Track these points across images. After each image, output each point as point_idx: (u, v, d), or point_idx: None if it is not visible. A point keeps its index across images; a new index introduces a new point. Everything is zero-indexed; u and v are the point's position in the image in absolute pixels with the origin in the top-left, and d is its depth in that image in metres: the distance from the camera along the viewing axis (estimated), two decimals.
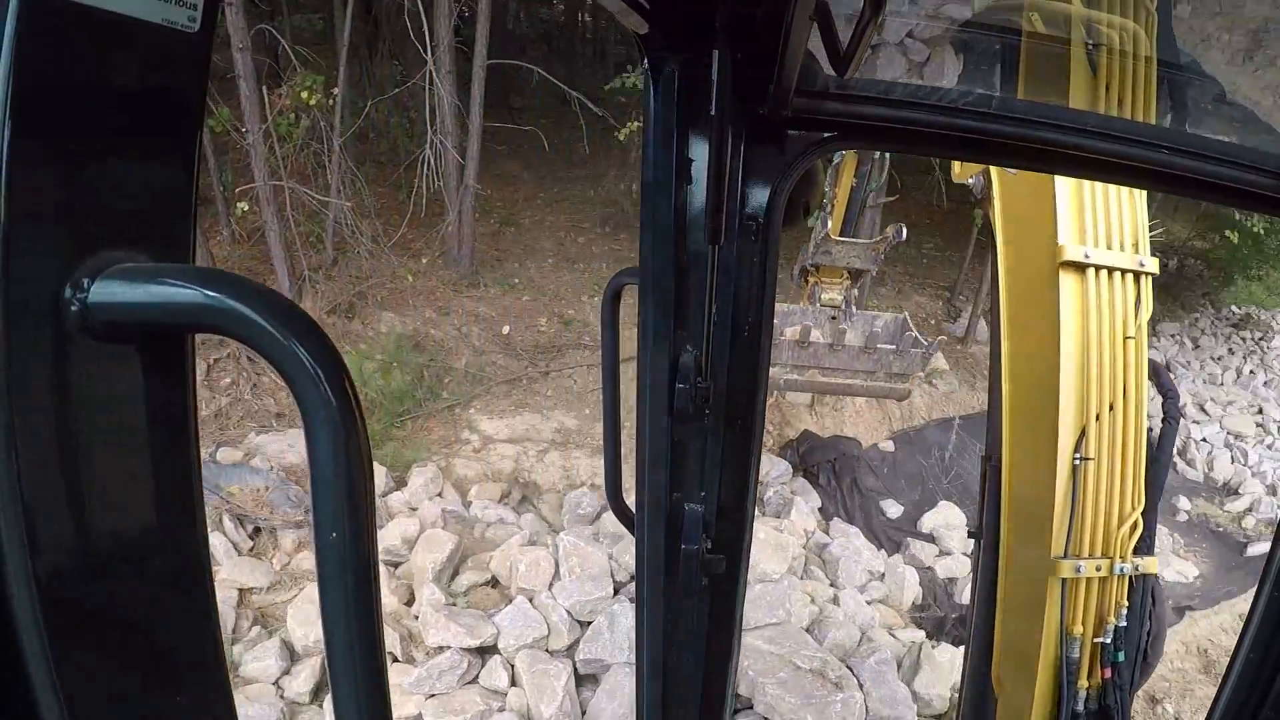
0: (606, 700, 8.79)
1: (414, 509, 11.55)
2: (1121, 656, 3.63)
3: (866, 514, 13.43)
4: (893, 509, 13.77)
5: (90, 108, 0.80)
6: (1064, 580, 3.62)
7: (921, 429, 15.61)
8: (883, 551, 12.51)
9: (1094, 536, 3.60)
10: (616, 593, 9.82)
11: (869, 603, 11.19)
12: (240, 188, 14.06)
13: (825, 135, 2.21)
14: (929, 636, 10.92)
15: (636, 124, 14.52)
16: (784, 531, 11.58)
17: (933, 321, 17.43)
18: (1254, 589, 3.00)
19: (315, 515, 0.80)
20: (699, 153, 2.04)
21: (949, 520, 13.45)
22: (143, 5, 0.81)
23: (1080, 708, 3.66)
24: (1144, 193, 3.81)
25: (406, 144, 16.39)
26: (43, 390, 0.78)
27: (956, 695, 9.68)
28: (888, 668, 9.69)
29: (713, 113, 1.90)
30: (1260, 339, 20.61)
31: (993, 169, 4.07)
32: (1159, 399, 3.85)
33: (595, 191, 17.52)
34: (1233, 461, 16.99)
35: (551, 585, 10.00)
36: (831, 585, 11.31)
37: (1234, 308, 21.04)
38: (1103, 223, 3.60)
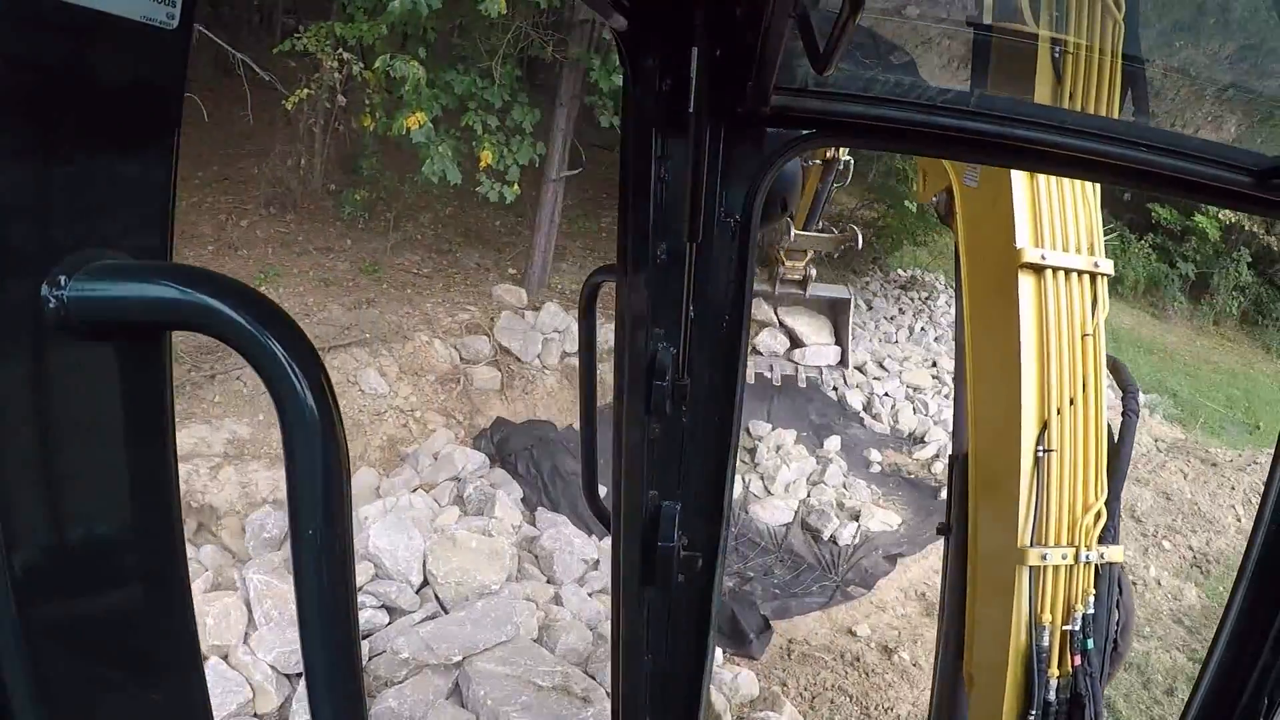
0: None
1: None
2: (1091, 644, 3.77)
3: (571, 499, 13.01)
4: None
5: (69, 104, 0.80)
6: (1031, 568, 3.75)
7: None
8: (594, 537, 12.16)
9: (1059, 525, 3.75)
10: None
11: (591, 595, 10.77)
12: None
13: (804, 132, 2.23)
14: None
15: (307, 91, 13.25)
16: (493, 533, 10.91)
17: None
18: None
19: (291, 511, 0.82)
20: (677, 150, 2.03)
21: None
22: (122, 2, 0.80)
23: (1052, 696, 3.78)
24: (1098, 198, 4.04)
25: None
26: (20, 387, 0.79)
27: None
28: None
29: (691, 110, 1.88)
30: (926, 298, 22.09)
31: (954, 184, 4.24)
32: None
33: (260, 169, 15.86)
34: (915, 413, 18.10)
35: (247, 637, 8.61)
36: (550, 583, 10.58)
37: (900, 270, 22.54)
38: (1059, 227, 3.80)
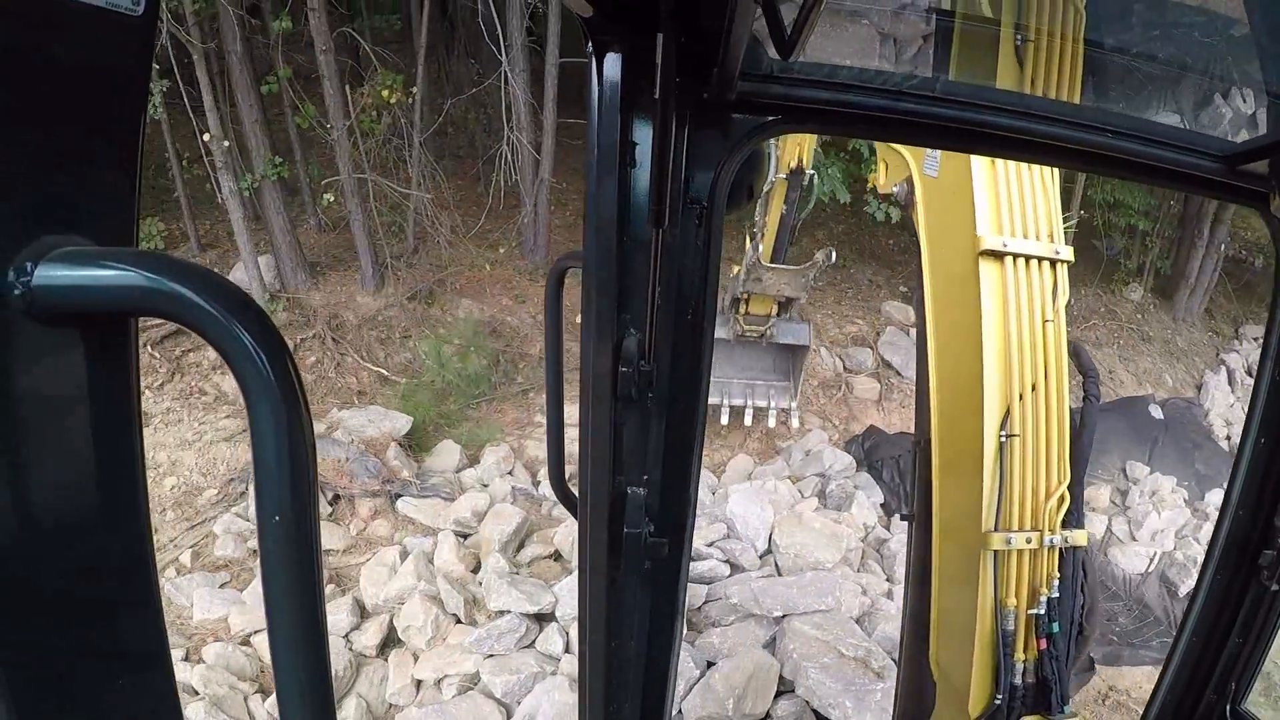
0: None
1: (485, 485, 12.11)
2: (1056, 628, 3.74)
3: None
4: None
5: (33, 90, 0.79)
6: (995, 553, 3.72)
7: None
8: None
9: (1023, 510, 3.72)
10: None
11: None
12: (326, 180, 14.95)
13: (769, 118, 2.23)
14: None
15: None
16: (842, 524, 11.59)
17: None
18: None
19: (258, 497, 0.81)
20: (643, 136, 2.01)
21: None
22: None
23: (1018, 680, 3.76)
24: (1057, 185, 4.01)
25: (484, 140, 16.87)
26: None
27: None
28: None
29: (657, 96, 1.82)
30: None
31: (914, 174, 4.25)
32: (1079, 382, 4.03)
33: None
34: None
35: None
36: (887, 580, 11.11)
37: None
38: (1019, 214, 3.78)
